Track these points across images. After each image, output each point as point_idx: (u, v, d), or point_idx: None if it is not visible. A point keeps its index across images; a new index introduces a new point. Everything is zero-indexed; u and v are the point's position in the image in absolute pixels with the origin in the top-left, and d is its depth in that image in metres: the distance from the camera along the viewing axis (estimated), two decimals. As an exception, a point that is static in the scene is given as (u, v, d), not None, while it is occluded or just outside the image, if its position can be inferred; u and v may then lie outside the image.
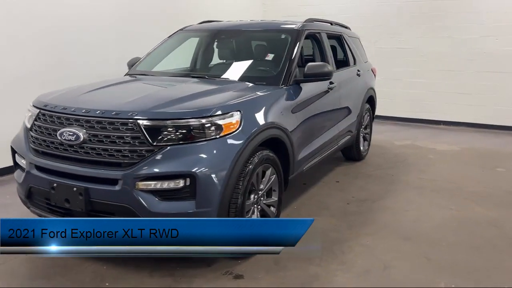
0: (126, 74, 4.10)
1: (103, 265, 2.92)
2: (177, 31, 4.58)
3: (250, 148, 2.85)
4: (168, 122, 2.63)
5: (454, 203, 4.20)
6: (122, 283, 2.75)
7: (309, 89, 3.83)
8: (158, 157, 2.59)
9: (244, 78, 3.63)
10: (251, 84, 3.46)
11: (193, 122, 2.65)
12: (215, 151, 2.67)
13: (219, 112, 2.74)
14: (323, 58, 4.44)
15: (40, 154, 2.91)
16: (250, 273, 2.88)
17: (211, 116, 2.70)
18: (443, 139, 7.00)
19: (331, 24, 5.11)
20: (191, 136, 2.65)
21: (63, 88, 3.38)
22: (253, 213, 3.06)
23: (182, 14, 6.81)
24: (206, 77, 3.73)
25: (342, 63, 5.17)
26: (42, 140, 2.90)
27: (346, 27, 5.72)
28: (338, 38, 5.18)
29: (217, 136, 2.70)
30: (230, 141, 2.74)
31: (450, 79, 7.95)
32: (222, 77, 3.72)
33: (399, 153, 6.11)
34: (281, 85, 3.51)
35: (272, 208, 3.30)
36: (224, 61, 4.34)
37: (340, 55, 5.23)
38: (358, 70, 5.28)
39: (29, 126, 3.03)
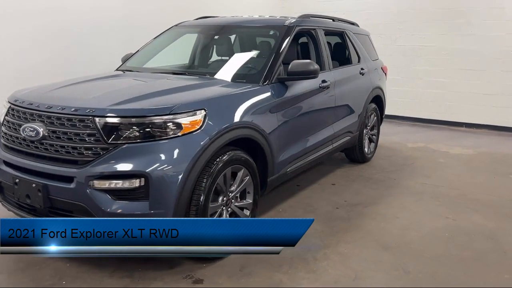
0: (116, 70, 4.08)
1: (67, 263, 2.90)
2: (172, 26, 4.52)
3: (213, 148, 2.75)
4: (125, 119, 2.57)
5: (452, 211, 3.94)
6: (80, 282, 2.72)
7: (296, 87, 3.68)
8: (113, 155, 2.53)
9: (224, 75, 3.52)
10: (229, 82, 3.35)
11: (150, 120, 2.58)
12: (172, 151, 2.58)
13: (178, 111, 2.64)
14: (318, 56, 4.27)
15: (8, 149, 2.93)
16: (212, 278, 2.78)
17: (169, 114, 2.61)
18: (460, 142, 6.64)
19: (333, 20, 4.92)
20: (148, 134, 2.57)
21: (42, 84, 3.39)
22: (221, 215, 2.96)
23: (196, 9, 6.76)
24: (187, 74, 3.63)
25: (344, 61, 4.98)
26: (9, 135, 2.91)
27: (352, 24, 5.50)
28: (340, 35, 4.98)
29: (176, 135, 2.61)
30: (190, 140, 2.64)
31: (473, 79, 7.53)
32: (204, 74, 3.63)
33: (408, 155, 5.84)
34: (262, 83, 3.38)
35: (245, 211, 3.19)
36: (220, 58, 4.25)
37: (342, 53, 5.03)
38: (362, 69, 5.06)
39: (1, 121, 3.06)
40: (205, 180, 2.72)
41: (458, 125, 7.77)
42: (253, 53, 3.90)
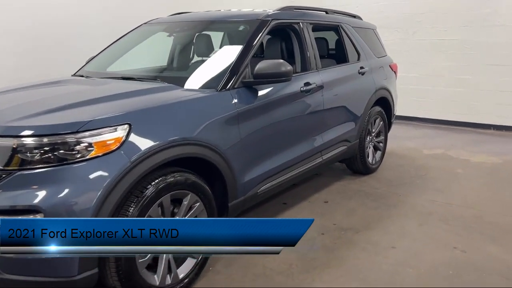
0: (73, 75, 3.61)
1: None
2: (141, 24, 4.00)
3: (139, 172, 2.20)
4: (20, 140, 2.06)
5: (463, 239, 3.26)
6: None
7: (269, 92, 3.10)
8: (6, 184, 2.03)
9: (177, 79, 2.98)
10: (179, 88, 2.79)
11: (52, 140, 2.06)
12: (79, 179, 2.05)
13: (91, 127, 2.11)
14: (302, 54, 3.67)
15: None
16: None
17: (78, 132, 2.08)
18: (484, 148, 5.84)
19: (327, 12, 4.28)
20: (50, 158, 2.05)
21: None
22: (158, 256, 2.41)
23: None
24: (136, 78, 3.09)
25: (339, 59, 4.34)
26: None
27: (353, 16, 4.84)
28: (335, 30, 4.33)
29: (85, 158, 2.08)
30: (103, 164, 2.10)
31: (502, 75, 6.69)
32: (156, 78, 3.08)
33: (422, 165, 5.12)
34: (221, 88, 2.80)
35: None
36: (185, 58, 3.71)
37: (337, 50, 4.39)
38: (362, 67, 4.40)
39: None
40: (129, 213, 2.18)
41: (485, 128, 6.94)
42: (213, 53, 3.33)
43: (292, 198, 4.06)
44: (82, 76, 3.38)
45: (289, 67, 2.95)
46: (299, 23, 3.68)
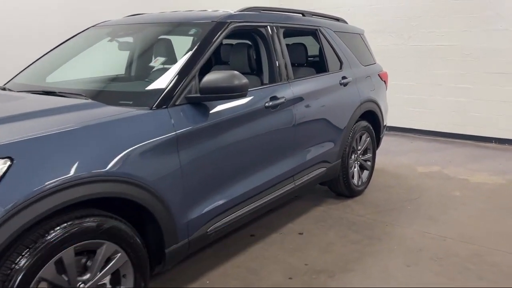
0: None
1: None
2: (89, 27, 3.47)
3: (23, 221, 1.66)
4: None
5: (458, 285, 2.70)
6: None
7: (222, 110, 2.56)
8: None
9: (105, 95, 2.45)
10: (101, 106, 2.25)
11: None
12: None
13: None
14: (270, 64, 3.13)
15: None
16: None
17: None
18: (485, 165, 5.28)
19: (303, 15, 3.75)
20: None
21: None
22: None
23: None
24: (58, 93, 2.53)
25: (318, 68, 3.81)
26: None
27: (337, 19, 4.31)
28: (313, 35, 3.80)
29: None
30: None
31: (505, 84, 6.14)
32: (83, 93, 2.52)
33: (414, 185, 4.56)
34: (156, 106, 2.26)
35: (120, 308, 2.08)
36: (130, 68, 3.17)
37: (318, 58, 3.86)
38: (344, 77, 3.85)
39: None
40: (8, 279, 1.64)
41: (486, 141, 6.38)
42: (157, 62, 2.78)
43: (262, 228, 3.52)
44: (4, 89, 2.84)
45: (243, 80, 2.41)
46: (266, 26, 3.14)
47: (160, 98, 2.28)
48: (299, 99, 3.22)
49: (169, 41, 2.95)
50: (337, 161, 3.83)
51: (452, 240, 3.31)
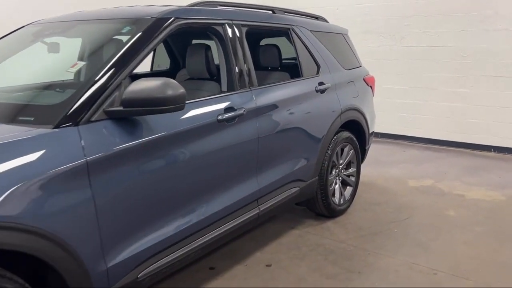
0: None
1: None
2: (25, 25, 2.96)
3: None
4: None
5: None
6: None
7: (161, 125, 2.09)
8: None
9: (5, 108, 1.97)
10: (-2, 124, 1.78)
11: None
12: None
13: None
14: (229, 68, 2.65)
15: None
16: None
17: None
18: (483, 177, 4.80)
19: (273, 12, 3.27)
20: None
21: None
22: None
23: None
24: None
25: (290, 73, 3.34)
26: None
27: (315, 18, 3.84)
28: (286, 34, 3.32)
29: None
30: None
31: (505, 89, 5.67)
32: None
33: (404, 203, 4.08)
34: (60, 124, 1.78)
35: None
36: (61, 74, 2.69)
37: (291, 61, 3.39)
38: (321, 83, 3.38)
39: None
40: None
41: (485, 149, 5.90)
42: (75, 67, 2.30)
43: (225, 258, 3.04)
44: None
45: (179, 90, 1.94)
46: (223, 24, 2.66)
47: (67, 114, 1.80)
48: (264, 110, 2.75)
49: (98, 41, 2.46)
50: (314, 179, 3.35)
51: (444, 274, 2.83)
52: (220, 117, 2.41)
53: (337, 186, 3.73)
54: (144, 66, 4.14)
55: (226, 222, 2.53)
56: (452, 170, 5.10)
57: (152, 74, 4.06)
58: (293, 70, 3.38)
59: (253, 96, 2.70)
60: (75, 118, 1.80)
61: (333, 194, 3.68)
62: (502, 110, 5.71)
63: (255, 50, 3.49)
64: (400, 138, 6.56)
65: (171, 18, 2.33)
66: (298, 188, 3.18)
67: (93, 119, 1.86)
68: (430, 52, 6.15)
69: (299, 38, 3.32)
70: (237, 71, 2.66)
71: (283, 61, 3.63)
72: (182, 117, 2.21)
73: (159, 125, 2.08)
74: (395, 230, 3.52)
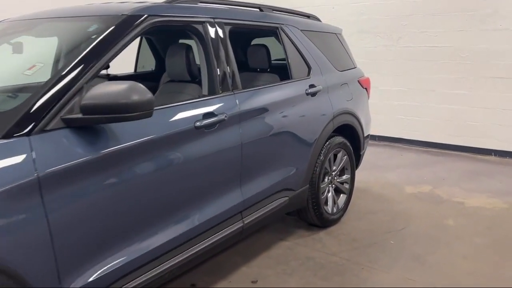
0: None
1: None
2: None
3: None
4: None
5: None
6: None
7: (129, 133, 1.89)
8: None
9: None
10: None
11: None
12: None
13: None
14: (210, 69, 2.45)
15: None
16: None
17: None
18: (484, 183, 4.60)
19: (261, 10, 3.07)
20: None
21: None
22: None
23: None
24: None
25: (279, 75, 3.14)
26: None
27: (307, 16, 3.65)
28: (275, 34, 3.12)
29: None
30: None
31: (506, 90, 5.47)
32: None
33: (401, 211, 3.88)
34: (7, 134, 1.57)
35: None
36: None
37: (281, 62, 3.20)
38: (312, 86, 3.18)
39: None
40: None
41: (485, 153, 5.71)
42: (33, 69, 2.09)
43: (207, 274, 2.84)
44: None
45: (147, 96, 1.73)
46: (204, 23, 2.46)
47: (17, 122, 1.60)
48: (248, 115, 2.55)
49: (63, 41, 2.26)
50: (304, 187, 3.16)
51: (442, 292, 2.63)
52: (198, 123, 2.21)
53: (330, 194, 3.53)
54: (129, 67, 3.97)
55: (206, 237, 2.33)
56: (451, 175, 4.90)
57: (136, 75, 3.87)
58: (283, 72, 3.18)
59: (237, 100, 2.49)
60: (26, 127, 1.60)
61: (326, 203, 3.48)
62: (503, 113, 5.51)
63: (244, 50, 3.29)
64: (398, 141, 6.36)
65: (144, 15, 2.13)
66: (287, 198, 2.98)
67: (48, 128, 1.65)
68: (428, 53, 5.95)
69: (288, 38, 3.12)
70: (218, 73, 2.45)
71: (273, 62, 3.45)
72: (154, 124, 2.00)
73: (126, 134, 1.88)
74: (390, 241, 3.32)
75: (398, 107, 6.30)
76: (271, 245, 3.25)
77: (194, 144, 2.19)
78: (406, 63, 6.16)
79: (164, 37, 3.65)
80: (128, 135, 1.88)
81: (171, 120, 2.10)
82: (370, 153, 5.72)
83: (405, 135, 6.33)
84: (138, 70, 3.98)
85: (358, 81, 3.89)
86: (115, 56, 1.96)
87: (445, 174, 4.93)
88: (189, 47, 2.64)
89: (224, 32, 2.56)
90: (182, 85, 2.71)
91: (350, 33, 6.39)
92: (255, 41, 3.77)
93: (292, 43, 3.14)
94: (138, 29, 2.08)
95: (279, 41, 3.11)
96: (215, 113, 2.32)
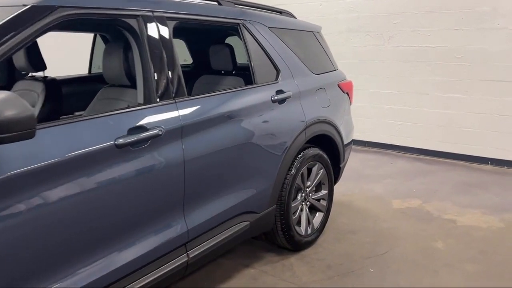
0: None
1: None
2: None
3: None
4: None
5: None
6: None
7: (30, 154, 1.48)
8: None
9: None
10: None
11: None
12: None
13: None
14: (146, 74, 2.04)
15: None
16: None
17: None
18: (479, 197, 4.19)
19: (219, 3, 2.65)
20: None
21: None
22: None
23: None
24: None
25: (249, 78, 2.73)
26: None
27: (279, 12, 3.23)
28: (236, 31, 2.70)
29: None
30: None
31: (504, 94, 5.07)
32: None
33: (386, 231, 3.47)
34: None
35: None
36: None
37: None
38: (280, 91, 2.76)
39: None
40: None
41: (481, 162, 5.30)
42: None
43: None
44: None
45: (26, 112, 1.32)
46: (138, 17, 2.04)
47: None
48: (193, 127, 2.13)
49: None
50: (270, 208, 2.74)
51: (425, 338, 2.22)
52: (120, 140, 1.79)
53: (303, 213, 3.12)
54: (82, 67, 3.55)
55: (139, 277, 1.91)
56: (444, 187, 4.49)
57: (90, 77, 3.45)
58: (249, 76, 2.77)
59: (178, 110, 2.08)
60: None
61: (298, 223, 3.07)
62: (501, 119, 5.11)
63: (206, 50, 2.88)
64: (388, 148, 5.95)
65: (55, 6, 1.71)
66: (247, 223, 2.56)
67: None
68: (421, 53, 5.54)
69: (252, 36, 2.71)
70: (156, 78, 2.04)
71: (242, 64, 3.04)
72: (53, 145, 1.59)
73: (10, 159, 1.45)
74: (370, 269, 2.91)
75: (388, 111, 5.89)
76: (233, 274, 2.84)
77: (115, 166, 1.78)
78: (398, 64, 5.75)
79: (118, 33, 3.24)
80: (12, 161, 1.46)
81: (81, 137, 1.69)
82: (358, 160, 5.33)
83: (396, 141, 5.92)
84: (93, 71, 3.56)
85: (338, 85, 3.47)
86: (12, 53, 1.55)
87: (437, 186, 4.52)
88: (127, 46, 2.22)
89: (166, 29, 2.14)
90: (121, 90, 2.29)
91: (339, 32, 6.00)
92: (228, 40, 3.38)
93: (257, 42, 2.73)
94: (45, 21, 1.67)
95: (241, 40, 2.69)
96: (147, 126, 1.91)
